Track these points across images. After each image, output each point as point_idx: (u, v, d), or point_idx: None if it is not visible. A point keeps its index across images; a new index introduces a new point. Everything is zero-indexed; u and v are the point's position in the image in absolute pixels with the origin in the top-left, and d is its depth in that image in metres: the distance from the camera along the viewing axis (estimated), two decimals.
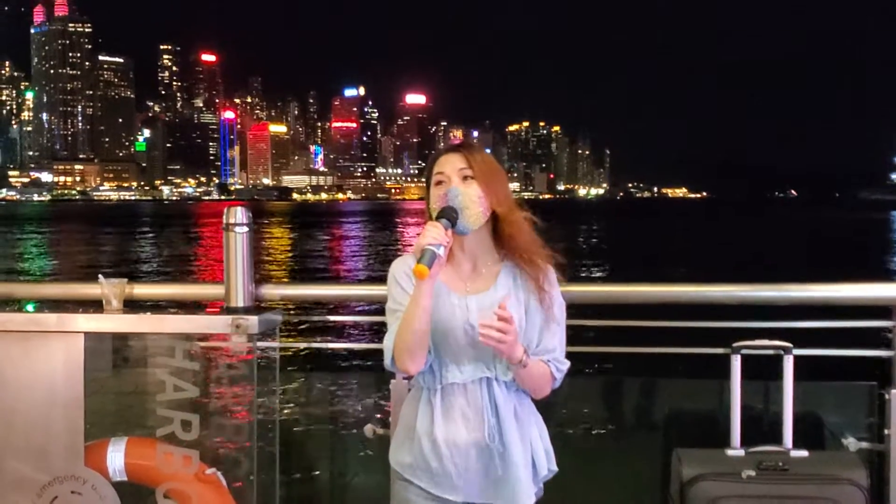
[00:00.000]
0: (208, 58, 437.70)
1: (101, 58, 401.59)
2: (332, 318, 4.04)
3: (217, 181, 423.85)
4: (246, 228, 3.56)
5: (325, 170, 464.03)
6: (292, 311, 3.88)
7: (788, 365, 3.53)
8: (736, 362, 3.55)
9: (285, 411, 3.71)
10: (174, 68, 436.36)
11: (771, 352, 3.56)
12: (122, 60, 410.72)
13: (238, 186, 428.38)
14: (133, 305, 3.63)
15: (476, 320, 2.63)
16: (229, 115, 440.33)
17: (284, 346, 3.66)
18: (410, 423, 2.76)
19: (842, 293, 3.62)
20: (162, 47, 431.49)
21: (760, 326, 3.58)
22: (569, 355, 2.79)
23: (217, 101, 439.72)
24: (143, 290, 3.73)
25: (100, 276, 3.56)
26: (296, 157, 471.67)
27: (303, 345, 3.88)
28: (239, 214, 3.58)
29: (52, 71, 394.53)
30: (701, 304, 3.59)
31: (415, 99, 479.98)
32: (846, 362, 3.60)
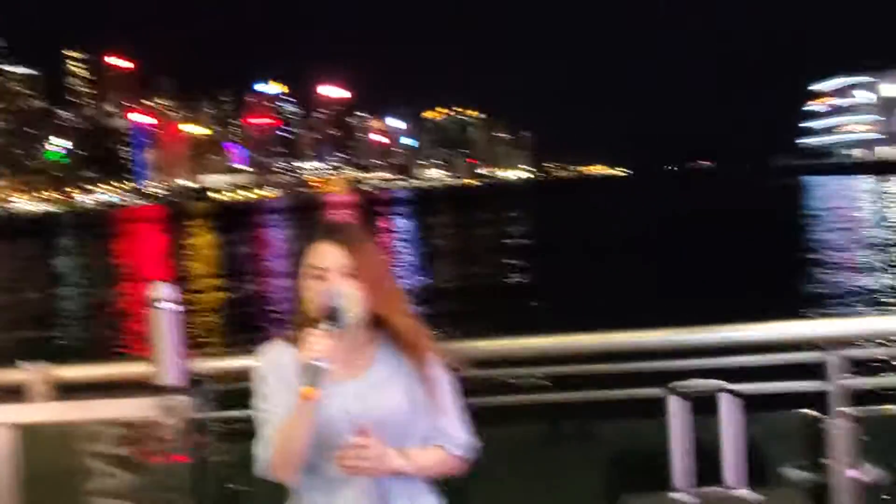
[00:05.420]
0: (118, 62, 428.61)
1: (8, 69, 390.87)
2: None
3: (133, 185, 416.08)
4: (173, 304, 3.44)
5: (245, 167, 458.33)
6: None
7: (726, 402, 3.55)
8: (673, 403, 3.56)
9: (223, 486, 3.61)
10: (83, 74, 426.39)
11: (707, 390, 3.58)
12: (30, 71, 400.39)
13: (156, 190, 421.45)
14: (59, 388, 3.51)
15: (354, 408, 2.50)
16: (142, 118, 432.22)
17: (219, 418, 3.58)
18: None
19: (777, 333, 3.66)
20: (69, 54, 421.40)
21: (696, 366, 3.60)
22: (499, 407, 2.70)
23: (129, 104, 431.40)
24: (67, 372, 3.61)
25: (20, 363, 3.43)
26: (213, 157, 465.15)
27: (239, 413, 3.77)
28: (165, 290, 3.45)
29: None
30: (635, 351, 3.60)
31: (331, 91, 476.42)
32: (783, 395, 3.63)
